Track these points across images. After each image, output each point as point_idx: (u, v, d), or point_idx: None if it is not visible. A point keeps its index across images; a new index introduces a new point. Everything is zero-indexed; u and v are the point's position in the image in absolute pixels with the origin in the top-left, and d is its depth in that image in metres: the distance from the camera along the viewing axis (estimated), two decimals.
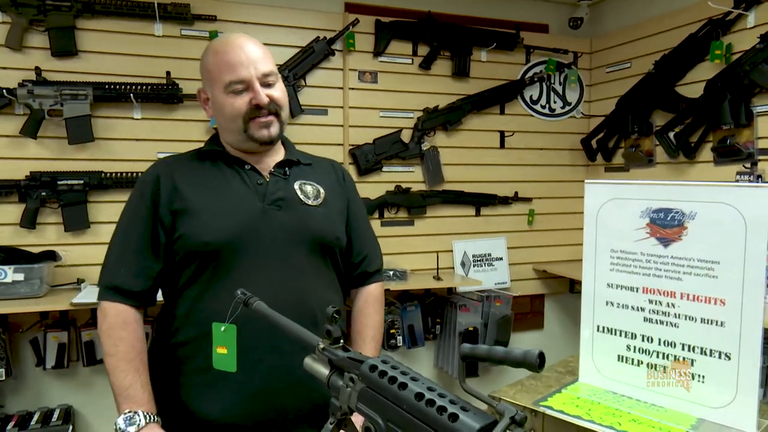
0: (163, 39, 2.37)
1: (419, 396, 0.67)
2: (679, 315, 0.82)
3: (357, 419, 0.83)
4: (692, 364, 0.81)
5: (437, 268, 2.71)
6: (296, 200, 1.29)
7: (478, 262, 2.90)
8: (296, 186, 1.31)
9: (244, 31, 2.46)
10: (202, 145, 2.33)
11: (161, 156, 2.38)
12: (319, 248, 1.29)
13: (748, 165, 2.31)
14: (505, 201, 2.93)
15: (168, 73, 2.34)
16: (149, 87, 2.30)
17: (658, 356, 0.84)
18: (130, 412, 1.13)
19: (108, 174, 2.31)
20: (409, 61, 2.76)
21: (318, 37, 2.55)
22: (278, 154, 1.34)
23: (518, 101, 2.98)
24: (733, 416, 0.76)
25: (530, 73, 2.98)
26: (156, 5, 2.30)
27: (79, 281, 2.28)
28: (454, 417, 0.63)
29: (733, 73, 2.29)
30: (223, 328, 1.00)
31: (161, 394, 1.22)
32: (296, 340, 0.87)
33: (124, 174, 2.32)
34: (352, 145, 2.66)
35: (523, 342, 3.04)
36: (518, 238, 3.01)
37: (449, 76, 2.82)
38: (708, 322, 0.80)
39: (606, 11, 3.09)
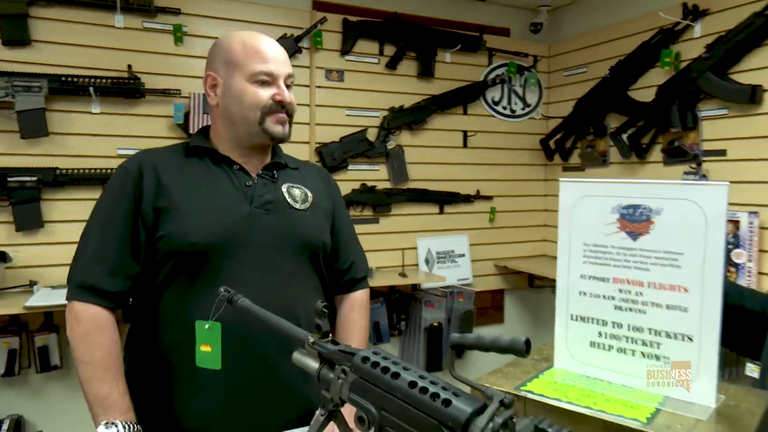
0: (124, 31, 2.32)
1: (412, 384, 0.68)
2: (646, 302, 0.89)
3: (346, 411, 0.85)
4: (658, 347, 0.88)
5: (402, 265, 2.75)
6: (284, 204, 1.26)
7: (442, 259, 2.96)
8: (284, 189, 1.28)
9: (209, 25, 2.44)
10: (165, 141, 2.32)
11: (121, 153, 2.33)
12: (306, 253, 1.28)
13: (694, 165, 2.46)
14: (467, 199, 3.01)
15: (129, 66, 2.29)
16: (109, 80, 2.25)
17: (627, 341, 0.91)
18: (108, 423, 1.07)
19: (64, 170, 2.23)
20: (376, 60, 2.79)
21: (285, 34, 2.55)
22: (266, 157, 1.31)
23: (481, 102, 3.06)
24: (695, 392, 0.83)
25: (492, 75, 3.06)
26: None
27: (32, 283, 2.19)
28: (447, 402, 0.64)
29: (682, 79, 2.43)
30: (207, 326, 1.00)
31: (140, 398, 1.18)
32: (285, 335, 0.88)
33: (81, 170, 2.25)
34: (319, 143, 2.67)
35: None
36: (480, 235, 3.09)
37: (414, 76, 2.88)
38: (672, 308, 0.86)
39: (564, 17, 3.21)
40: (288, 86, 1.25)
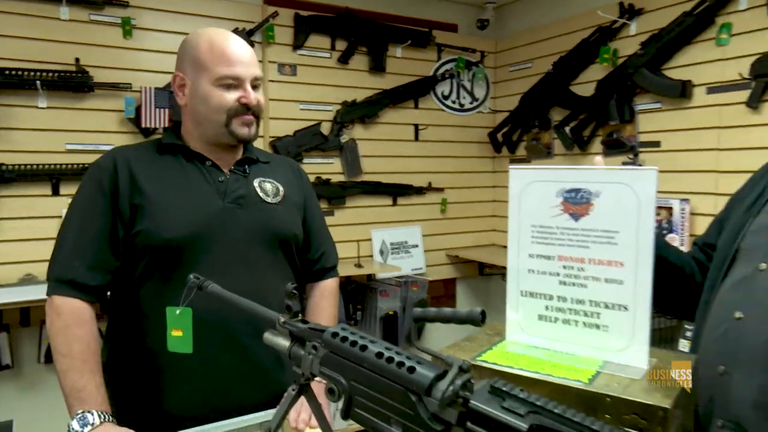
0: (71, 23, 2.27)
1: (379, 355, 0.74)
2: (587, 277, 0.98)
3: (316, 388, 0.90)
4: (598, 317, 0.97)
5: (358, 256, 2.81)
6: (256, 198, 1.30)
7: (396, 250, 3.04)
8: (256, 184, 1.32)
9: (159, 19, 2.42)
10: (115, 135, 2.30)
11: (70, 148, 2.29)
12: (278, 245, 1.33)
13: (631, 156, 2.62)
14: (419, 191, 3.09)
15: (77, 60, 2.25)
16: (56, 74, 2.20)
17: (570, 313, 1.00)
18: (83, 412, 1.10)
19: (10, 166, 2.19)
20: (328, 55, 2.83)
21: (237, 28, 2.55)
22: (238, 152, 1.34)
23: (431, 96, 3.16)
24: (630, 356, 0.93)
25: (441, 70, 3.16)
26: None
27: None
28: (411, 369, 0.71)
29: (619, 75, 2.58)
30: (178, 312, 1.03)
31: (122, 386, 1.22)
32: (255, 317, 0.92)
33: (29, 166, 2.21)
34: (273, 137, 2.69)
35: (438, 323, 3.22)
36: (432, 226, 3.19)
37: (366, 70, 2.93)
38: (610, 282, 0.96)
39: (510, 14, 3.33)
40: (255, 87, 1.27)
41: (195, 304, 1.06)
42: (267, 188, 1.34)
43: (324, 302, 1.47)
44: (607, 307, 0.96)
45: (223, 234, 1.24)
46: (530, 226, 1.02)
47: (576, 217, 0.98)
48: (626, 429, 0.83)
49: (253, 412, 1.23)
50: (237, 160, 1.33)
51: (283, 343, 0.89)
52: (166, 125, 2.34)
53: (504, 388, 0.68)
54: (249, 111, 1.26)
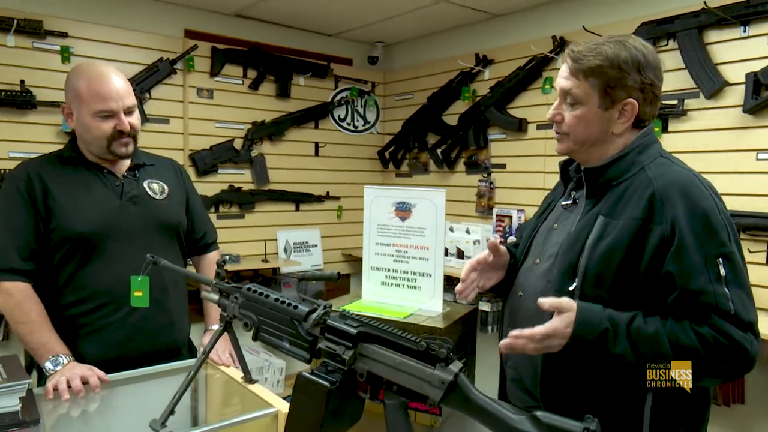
0: (16, 50, 2.59)
1: (276, 299, 1.27)
2: (409, 257, 1.58)
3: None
4: (415, 282, 1.58)
5: (265, 254, 3.30)
6: (147, 196, 1.63)
7: (298, 249, 3.56)
8: (145, 185, 1.64)
9: (94, 47, 2.79)
10: (53, 146, 2.63)
11: (13, 156, 2.59)
12: (166, 231, 1.67)
13: (485, 175, 3.32)
14: (319, 199, 3.63)
15: (22, 81, 2.57)
16: (3, 93, 2.51)
17: (399, 280, 1.60)
18: (54, 356, 1.41)
19: None
20: (241, 82, 3.30)
21: (162, 57, 2.96)
22: (127, 159, 1.63)
23: (329, 119, 3.71)
24: (431, 305, 1.54)
25: (338, 97, 3.72)
26: (15, 21, 2.53)
27: None
28: (295, 307, 1.24)
29: (476, 111, 3.26)
30: (139, 279, 1.49)
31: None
32: (198, 281, 1.42)
33: None
34: (192, 151, 3.12)
35: None
36: (329, 229, 3.73)
37: (274, 96, 3.43)
38: (422, 259, 1.57)
39: (395, 52, 3.97)
40: (129, 112, 1.54)
41: (105, 282, 1.47)
42: (155, 188, 1.67)
43: (206, 270, 1.85)
44: (420, 275, 1.56)
45: (123, 225, 1.57)
46: (376, 225, 1.61)
47: (403, 219, 1.58)
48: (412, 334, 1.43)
49: (151, 359, 1.56)
50: (128, 167, 1.64)
51: (215, 297, 1.39)
52: None
53: (348, 314, 1.24)
54: (125, 134, 1.54)
